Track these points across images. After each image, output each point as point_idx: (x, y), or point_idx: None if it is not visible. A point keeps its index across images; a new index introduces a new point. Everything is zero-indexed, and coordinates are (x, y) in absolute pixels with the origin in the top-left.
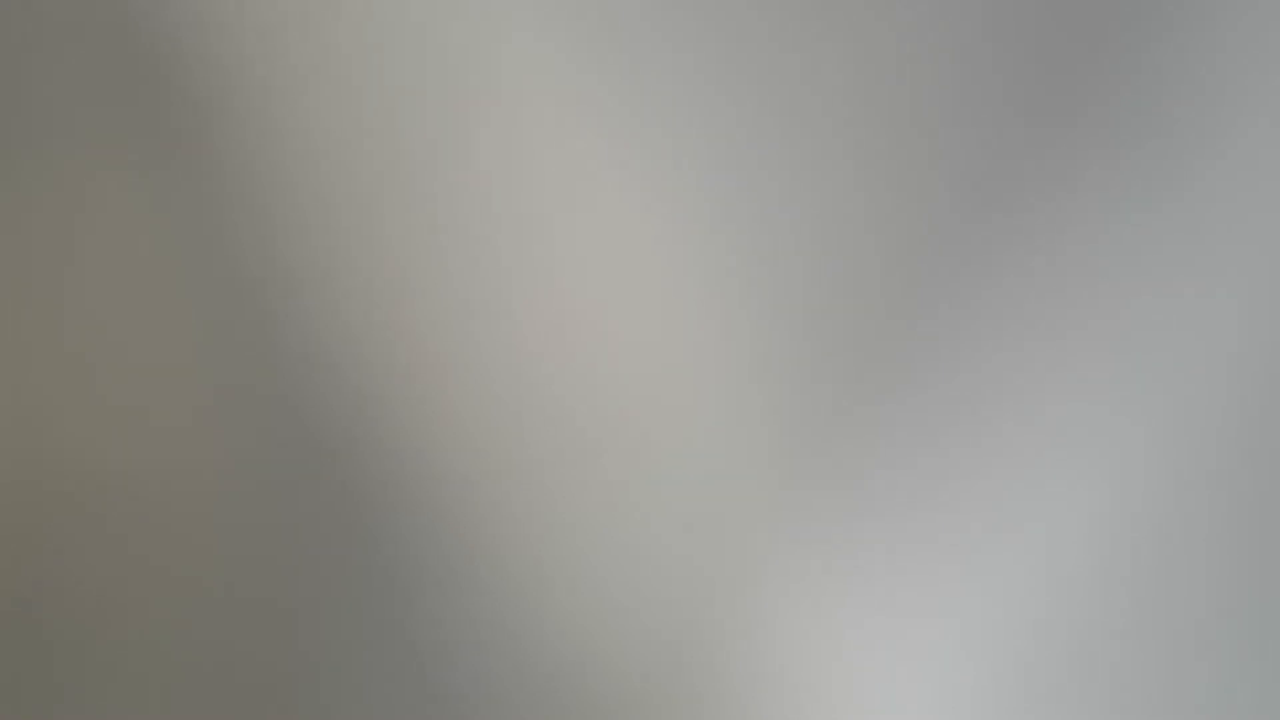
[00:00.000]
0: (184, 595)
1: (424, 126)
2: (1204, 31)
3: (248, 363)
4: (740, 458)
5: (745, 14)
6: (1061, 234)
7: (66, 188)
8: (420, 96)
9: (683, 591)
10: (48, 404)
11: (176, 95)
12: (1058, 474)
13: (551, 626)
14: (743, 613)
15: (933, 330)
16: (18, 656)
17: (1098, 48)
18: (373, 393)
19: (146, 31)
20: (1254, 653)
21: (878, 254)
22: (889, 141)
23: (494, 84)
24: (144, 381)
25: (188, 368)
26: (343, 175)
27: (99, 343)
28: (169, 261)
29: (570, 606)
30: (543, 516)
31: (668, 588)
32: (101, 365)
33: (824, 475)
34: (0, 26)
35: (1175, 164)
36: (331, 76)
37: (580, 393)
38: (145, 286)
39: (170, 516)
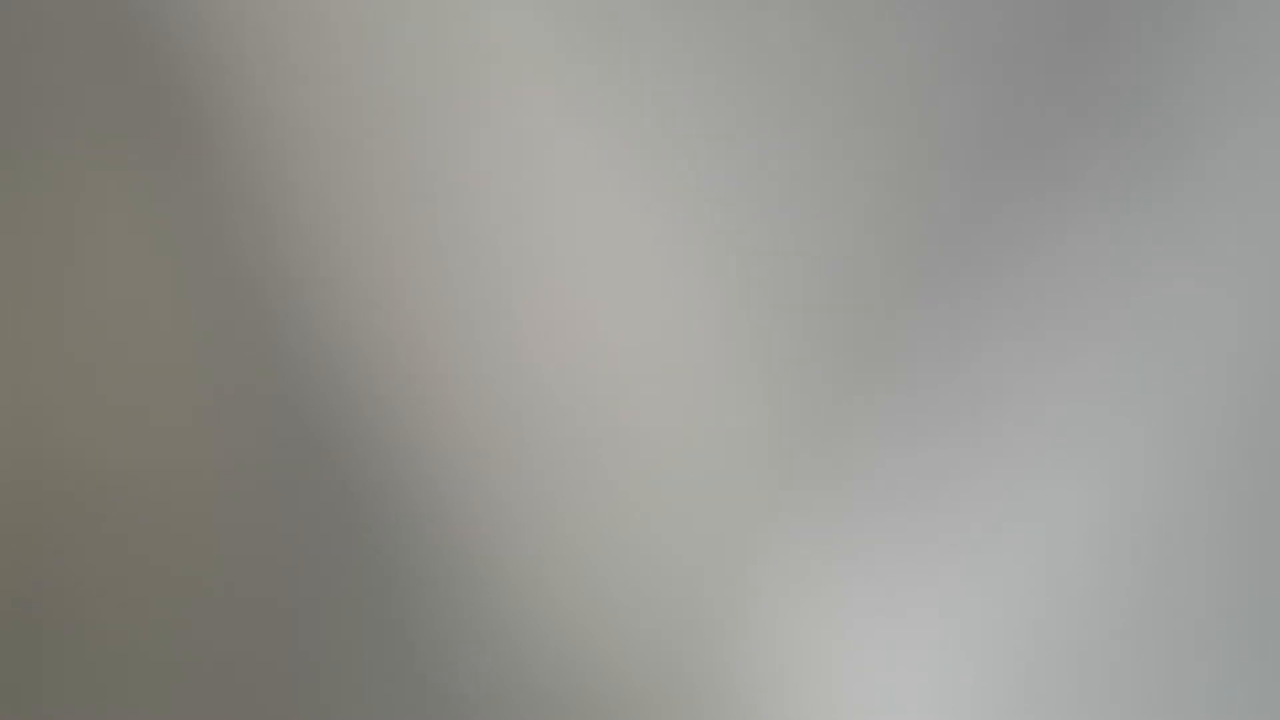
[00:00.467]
0: (183, 594)
1: (424, 125)
2: (1204, 29)
3: (247, 362)
4: (740, 457)
5: (745, 12)
6: (1062, 232)
7: (66, 188)
8: (420, 95)
9: (682, 591)
10: (47, 404)
11: (176, 94)
12: (1058, 473)
13: (551, 626)
14: (742, 612)
15: (933, 329)
16: (18, 657)
17: (1099, 46)
18: (372, 392)
19: (146, 30)
20: (1254, 652)
21: (877, 253)
22: (889, 140)
23: (494, 83)
24: (143, 381)
25: (187, 367)
26: (343, 174)
27: (98, 343)
28: (168, 261)
29: (570, 606)
30: (542, 516)
31: (667, 587)
32: (101, 365)
33: (824, 474)
34: (0, 26)
35: (1174, 163)
36: (332, 76)
37: (580, 392)
38: (145, 286)
39: (170, 516)
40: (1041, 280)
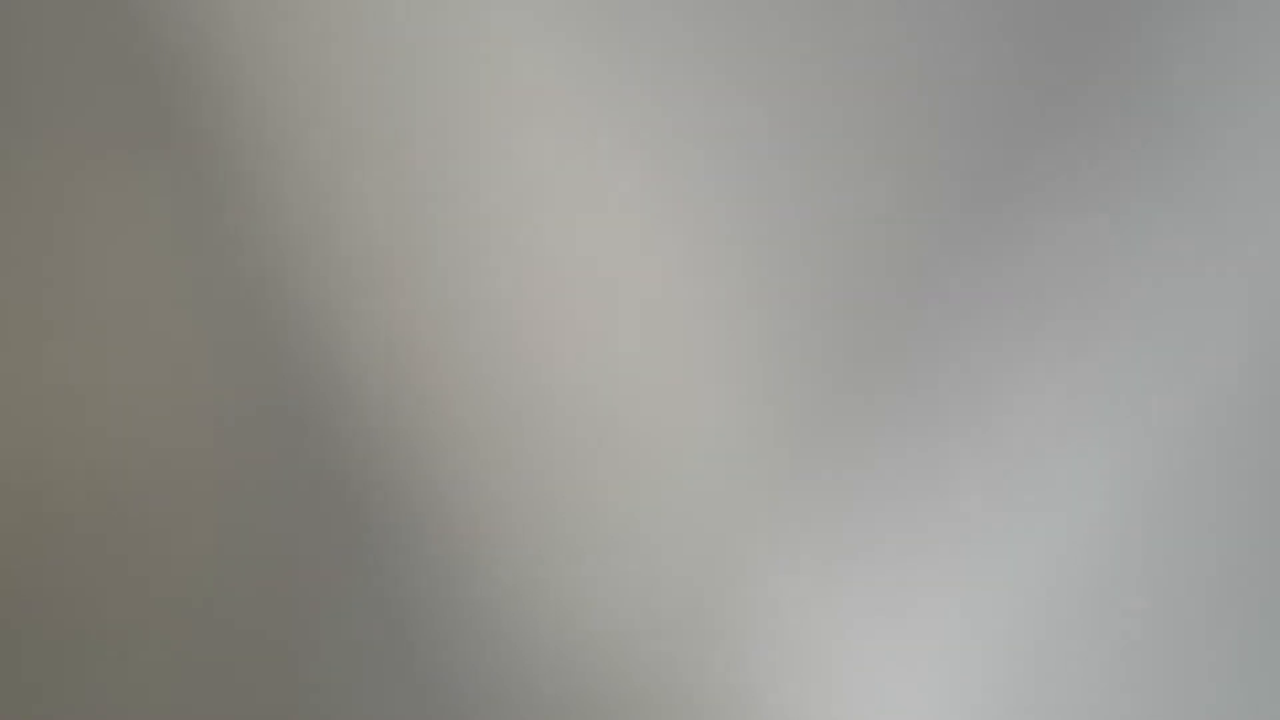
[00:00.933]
0: (182, 596)
1: (424, 125)
2: (1207, 25)
3: (246, 363)
4: (740, 456)
5: (746, 11)
6: (1066, 226)
7: (64, 188)
8: (420, 94)
9: (682, 591)
10: (45, 405)
11: (176, 93)
12: (1060, 471)
13: (550, 626)
14: (742, 612)
15: (934, 327)
16: (16, 659)
17: (1101, 44)
18: (371, 393)
19: (145, 29)
20: (1262, 647)
21: (881, 248)
22: (889, 137)
23: (498, 82)
24: (141, 382)
25: (185, 368)
26: (343, 174)
27: (96, 343)
28: (168, 262)
29: (569, 606)
30: (541, 516)
31: (667, 587)
32: (99, 366)
33: (824, 473)
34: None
35: (1176, 160)
36: (332, 75)
37: (579, 391)
38: (143, 287)
39: (168, 516)
40: (1044, 276)
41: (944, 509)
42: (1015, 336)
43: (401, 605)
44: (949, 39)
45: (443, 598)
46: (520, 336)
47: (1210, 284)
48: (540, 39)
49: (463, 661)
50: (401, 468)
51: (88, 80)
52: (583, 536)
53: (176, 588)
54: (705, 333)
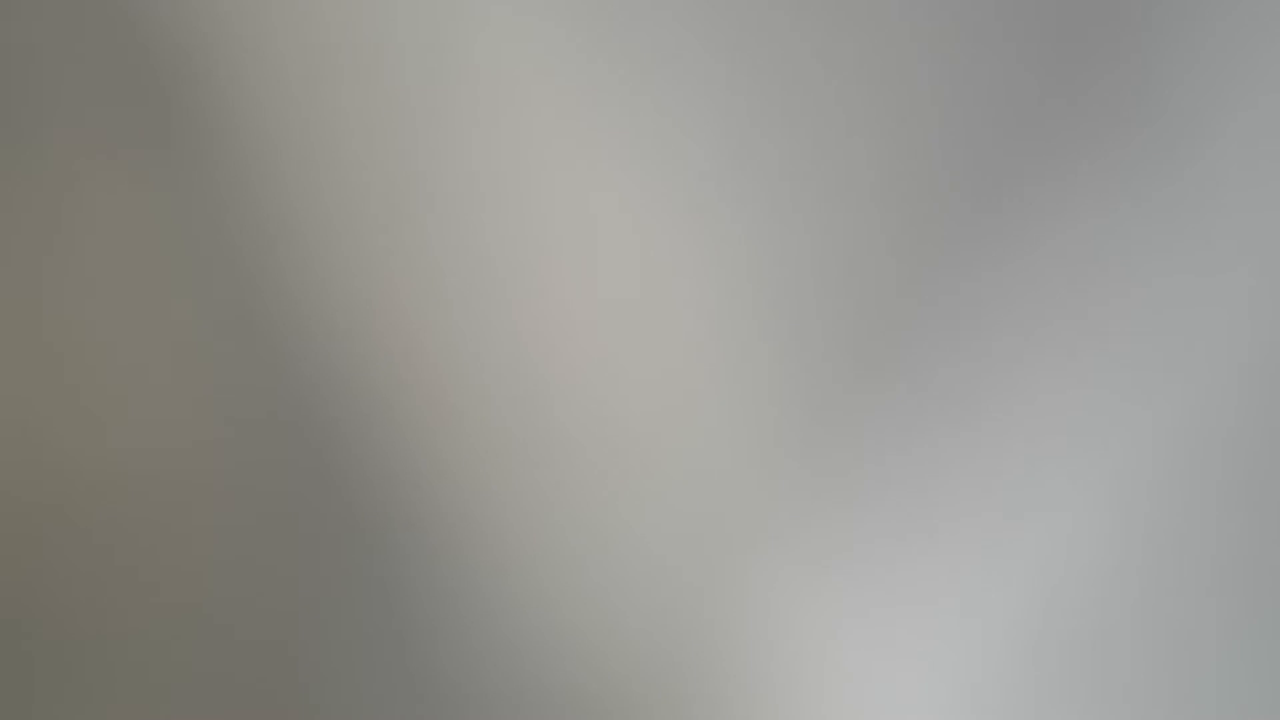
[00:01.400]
0: (181, 599)
1: (424, 124)
2: (1206, 23)
3: (245, 363)
4: (740, 456)
5: (745, 9)
6: (1065, 225)
7: (64, 187)
8: (421, 94)
9: (681, 591)
10: (44, 406)
11: (175, 92)
12: (1060, 470)
13: (549, 627)
14: (741, 612)
15: (933, 327)
16: (16, 661)
17: (1102, 42)
18: (370, 393)
19: (146, 30)
20: (1262, 648)
21: (879, 249)
22: (889, 137)
23: (499, 82)
24: (141, 383)
25: (184, 369)
26: (343, 173)
27: (96, 344)
28: (167, 262)
29: (568, 607)
30: (540, 517)
31: (666, 587)
32: (98, 367)
33: (824, 473)
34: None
35: (1176, 158)
36: (331, 74)
37: (578, 391)
38: (143, 287)
39: (167, 517)
40: (1043, 277)
41: (943, 509)
42: (1015, 337)
43: (401, 605)
44: (949, 39)
45: (443, 598)
46: (520, 336)
47: (1209, 284)
48: (541, 39)
49: (463, 661)
50: (402, 468)
51: (88, 81)
52: (583, 536)
53: (176, 587)
54: (705, 332)
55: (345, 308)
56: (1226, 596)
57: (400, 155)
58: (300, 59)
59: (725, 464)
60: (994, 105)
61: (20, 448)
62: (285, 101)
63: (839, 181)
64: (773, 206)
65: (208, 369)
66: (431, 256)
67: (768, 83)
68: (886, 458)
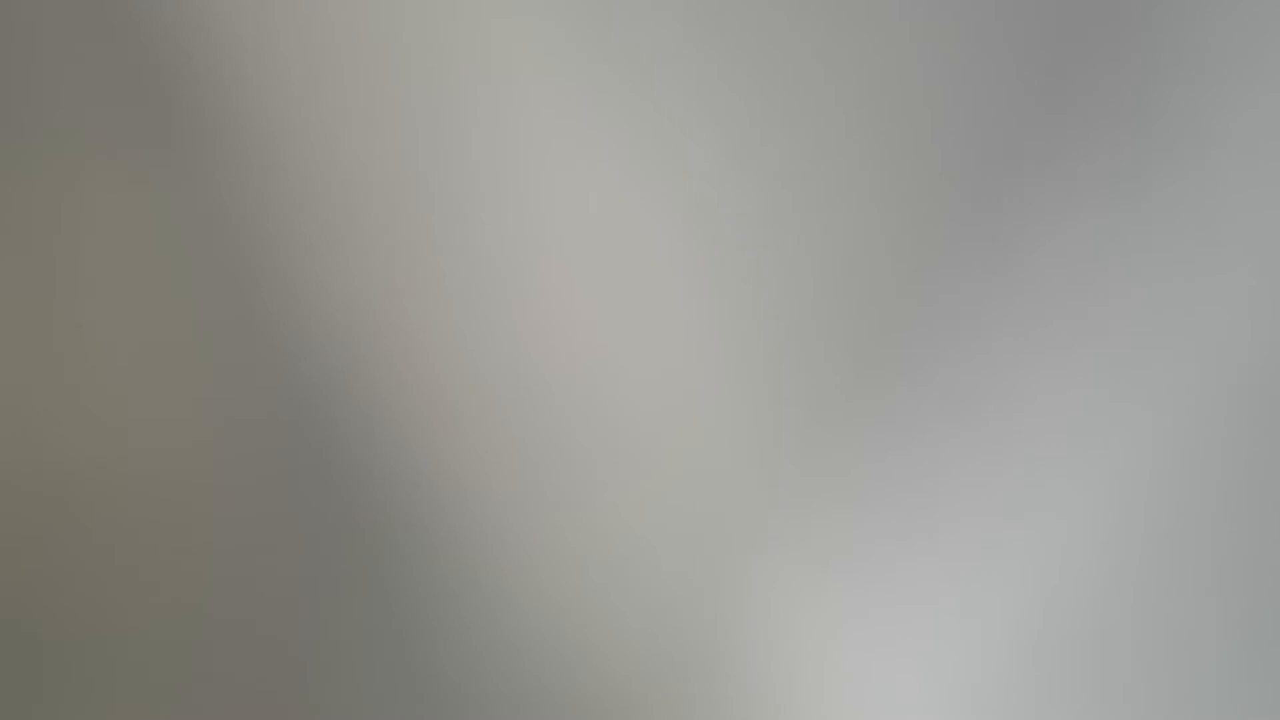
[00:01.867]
0: (181, 599)
1: (424, 125)
2: (1208, 26)
3: (245, 364)
4: (740, 456)
5: (745, 9)
6: (1065, 225)
7: (64, 187)
8: (421, 94)
9: (681, 591)
10: (44, 406)
11: (175, 92)
12: (1059, 470)
13: (548, 627)
14: (741, 612)
15: (933, 327)
16: (15, 662)
17: (1102, 42)
18: (372, 393)
19: (147, 30)
20: (1261, 649)
21: (879, 248)
22: (889, 137)
23: (499, 82)
24: (141, 384)
25: (185, 369)
26: (343, 172)
27: (96, 344)
28: (168, 262)
29: (568, 606)
30: (539, 517)
31: (666, 587)
32: (98, 367)
33: (824, 473)
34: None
35: (1176, 158)
36: (331, 74)
37: (578, 391)
38: (143, 287)
39: (167, 516)
40: (1044, 275)
41: (943, 509)
42: (1015, 337)
43: (401, 605)
44: (949, 39)
45: (443, 597)
46: (520, 337)
47: (1209, 285)
48: (541, 39)
49: (463, 661)
50: (402, 468)
51: (88, 81)
52: (583, 536)
53: (176, 587)
54: (705, 332)
55: (345, 308)
56: (1226, 597)
57: (400, 155)
58: (300, 59)
59: (725, 464)
60: (994, 106)
61: (20, 447)
62: (285, 101)
63: (839, 182)
64: (772, 206)
65: (208, 369)
66: (432, 256)
67: (767, 83)
68: (886, 458)
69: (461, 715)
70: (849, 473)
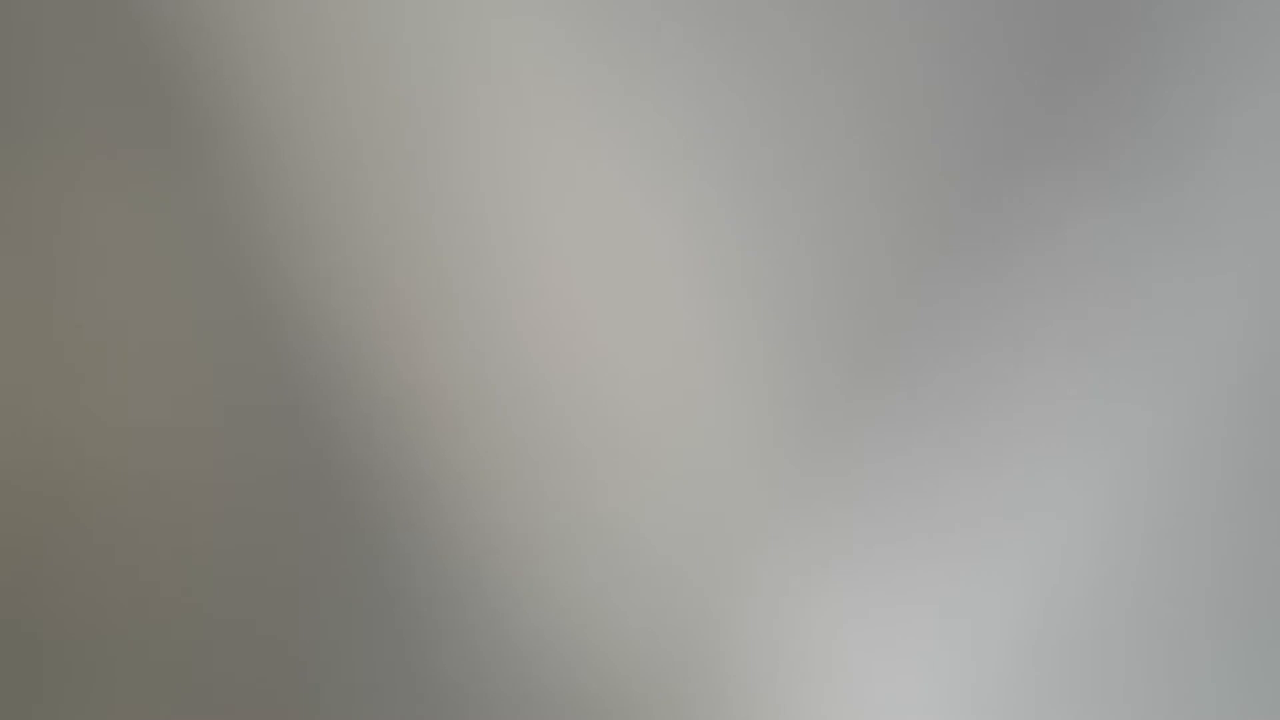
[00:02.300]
0: (181, 599)
1: (424, 125)
2: (1208, 27)
3: (246, 364)
4: (740, 457)
5: (745, 9)
6: (1065, 226)
7: (64, 187)
8: (421, 95)
9: (681, 591)
10: (44, 406)
11: (175, 92)
12: (1059, 471)
13: (549, 627)
14: (742, 612)
15: (933, 327)
16: (15, 663)
17: (1103, 43)
18: (370, 394)
19: (147, 31)
20: (1259, 649)
21: (879, 249)
22: (889, 138)
23: (499, 82)
24: (141, 384)
25: (186, 370)
26: (343, 172)
27: (96, 344)
28: (168, 263)
29: (568, 606)
30: (540, 517)
31: (666, 587)
32: (99, 367)
33: (824, 473)
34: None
35: (1176, 158)
36: (332, 74)
37: (578, 391)
38: (144, 288)
39: (167, 516)
40: (1043, 276)
41: (943, 509)
42: (1014, 339)
43: (402, 605)
44: (949, 39)
45: (443, 597)
46: (520, 337)
47: (1209, 286)
48: (541, 39)
49: (463, 661)
50: (402, 468)
51: (88, 81)
52: (583, 536)
53: (176, 587)
54: (705, 333)
55: (346, 307)
56: (1224, 597)
57: (400, 155)
58: (301, 59)
59: (725, 464)
60: (994, 107)
61: (20, 447)
62: (285, 101)
63: (838, 182)
64: (772, 207)
65: (208, 368)
66: (432, 256)
67: (767, 83)
68: (886, 458)
69: (462, 715)
70: (849, 473)
